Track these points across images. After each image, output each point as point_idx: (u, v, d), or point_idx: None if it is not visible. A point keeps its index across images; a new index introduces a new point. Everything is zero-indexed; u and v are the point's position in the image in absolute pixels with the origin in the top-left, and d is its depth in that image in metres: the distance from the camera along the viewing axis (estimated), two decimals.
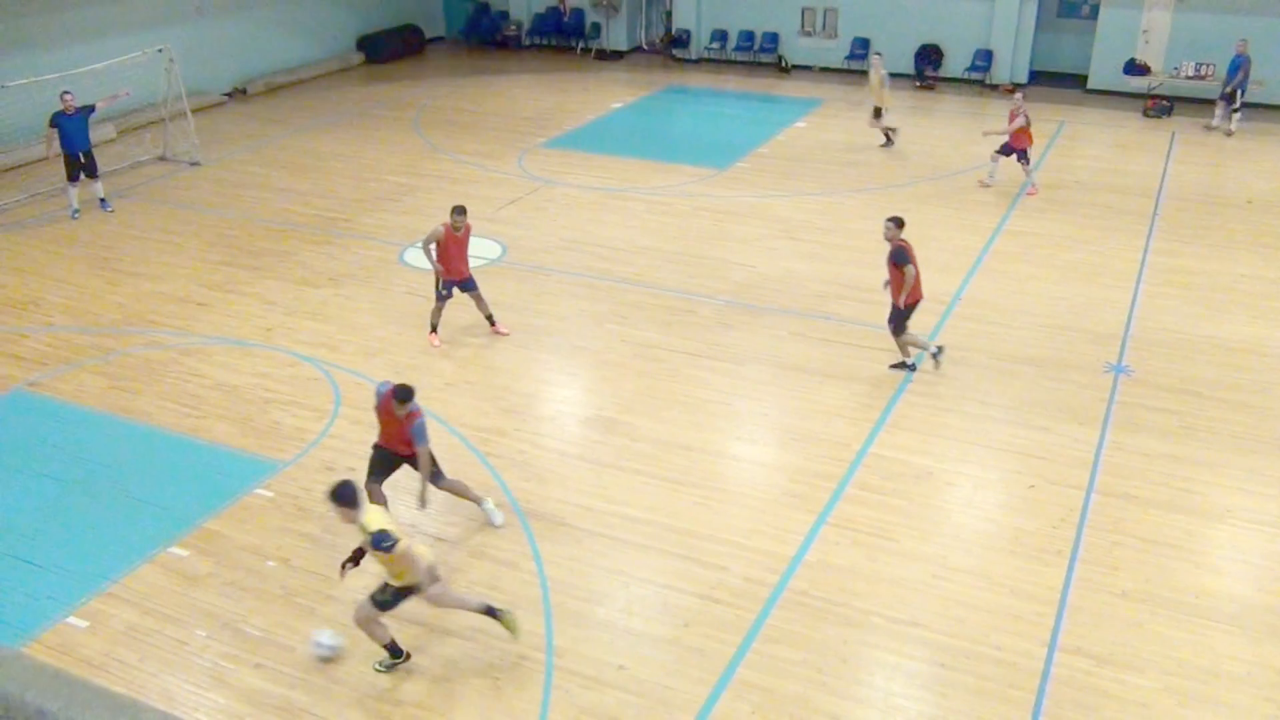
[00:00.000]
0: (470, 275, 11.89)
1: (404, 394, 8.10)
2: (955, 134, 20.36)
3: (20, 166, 17.78)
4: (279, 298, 13.21)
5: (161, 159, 18.91)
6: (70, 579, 8.26)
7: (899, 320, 10.99)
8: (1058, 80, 23.60)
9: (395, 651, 7.31)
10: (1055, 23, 23.85)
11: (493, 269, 13.98)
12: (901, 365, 11.31)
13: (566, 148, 19.40)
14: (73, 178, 15.65)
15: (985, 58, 23.59)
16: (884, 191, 16.90)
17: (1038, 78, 23.71)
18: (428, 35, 28.40)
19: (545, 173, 17.97)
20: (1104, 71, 22.71)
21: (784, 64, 25.45)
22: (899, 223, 10.93)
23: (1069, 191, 16.88)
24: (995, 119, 21.23)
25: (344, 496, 6.73)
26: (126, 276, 13.93)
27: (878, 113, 19.04)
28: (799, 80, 24.56)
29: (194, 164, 18.58)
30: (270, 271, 13.99)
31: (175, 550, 8.57)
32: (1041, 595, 7.95)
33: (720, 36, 26.09)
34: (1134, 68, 22.19)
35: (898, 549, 8.48)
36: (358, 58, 26.41)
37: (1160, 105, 21.32)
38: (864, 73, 24.52)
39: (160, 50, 18.29)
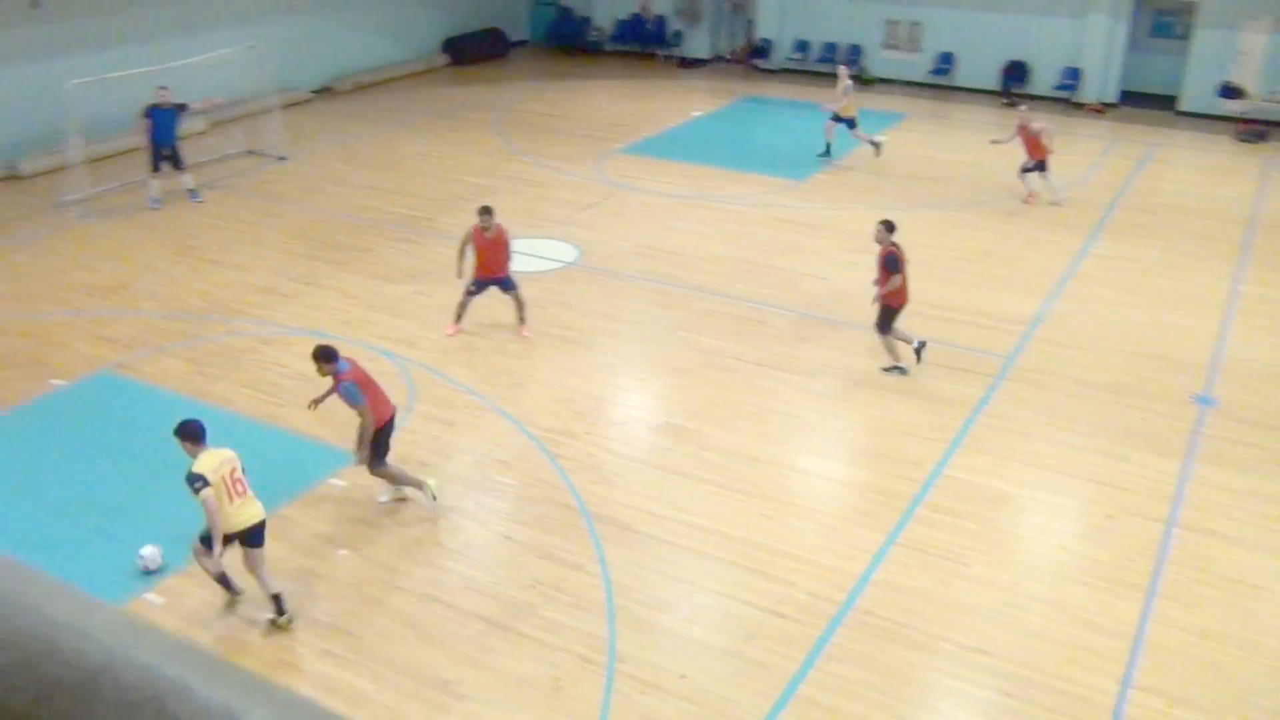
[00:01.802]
0: (507, 275, 11.97)
1: (321, 354, 8.39)
2: None
3: (115, 156, 18.31)
4: (359, 292, 13.41)
5: (250, 153, 19.36)
6: None
7: (886, 321, 11.11)
8: (1147, 101, 23.01)
9: (225, 583, 7.74)
10: (1147, 42, 23.27)
11: (567, 272, 14.05)
12: (895, 369, 11.32)
13: (644, 154, 19.43)
14: (155, 168, 16.06)
15: (1073, 76, 23.12)
16: (964, 208, 16.64)
17: (1127, 98, 23.15)
18: (511, 39, 28.69)
19: (622, 178, 18.02)
20: (1196, 93, 22.11)
21: (865, 77, 25.22)
22: (890, 227, 11.08)
23: (1157, 216, 16.44)
24: (1084, 139, 20.84)
25: (185, 432, 7.50)
26: (212, 265, 14.27)
27: (852, 123, 18.63)
28: (880, 93, 24.31)
29: (281, 159, 18.98)
30: (351, 266, 14.22)
31: None
32: (1116, 629, 7.73)
33: (802, 47, 25.95)
34: (1228, 90, 21.55)
35: (968, 573, 8.31)
36: (442, 59, 26.78)
37: (1254, 130, 20.68)
38: (948, 88, 24.25)
39: (253, 47, 18.73)
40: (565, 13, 28.79)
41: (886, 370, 11.34)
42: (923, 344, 11.45)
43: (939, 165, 18.92)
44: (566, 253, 14.68)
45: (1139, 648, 7.55)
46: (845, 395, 11.02)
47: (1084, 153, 19.88)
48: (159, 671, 0.77)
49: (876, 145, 18.93)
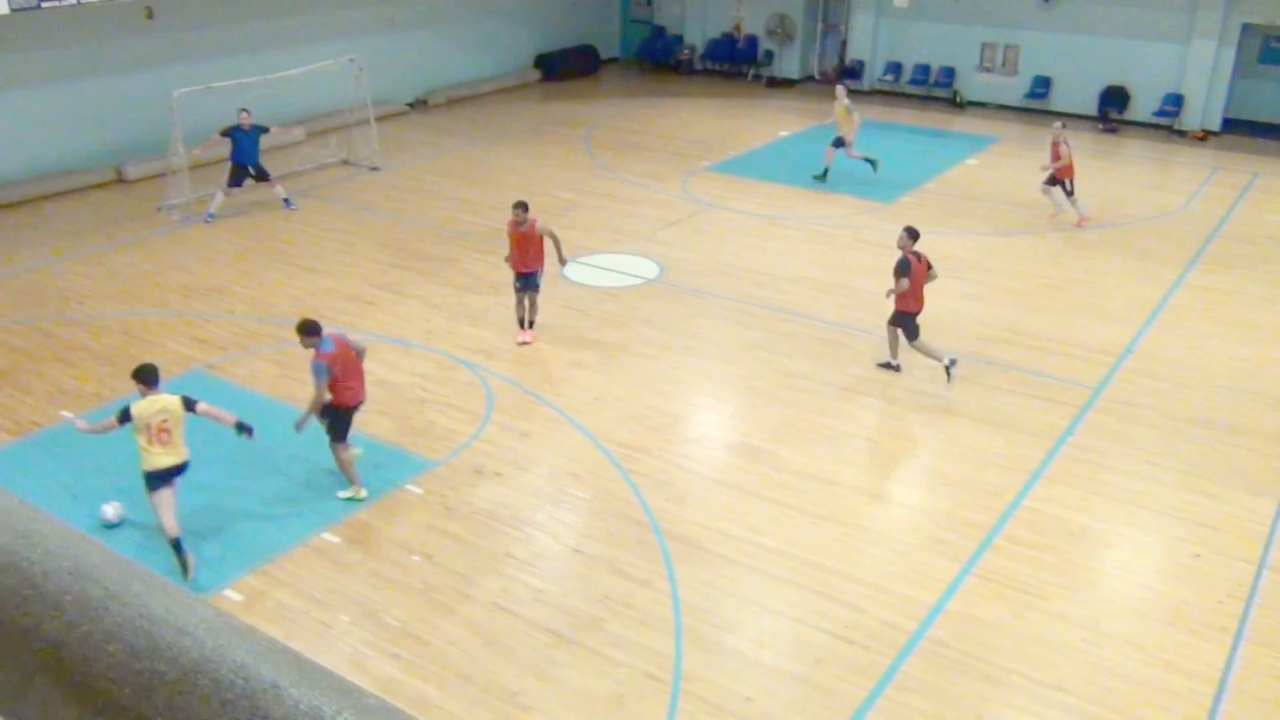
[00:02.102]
0: (531, 272, 12.16)
1: (302, 328, 9.15)
2: (1139, 179, 19.52)
3: (217, 163, 18.93)
4: (442, 302, 13.66)
5: (345, 162, 19.86)
6: (230, 554, 8.72)
7: (910, 328, 11.40)
8: (1254, 130, 22.32)
9: (176, 546, 8.37)
10: (1255, 69, 22.58)
11: (648, 288, 14.12)
12: (887, 365, 11.77)
13: (731, 173, 19.45)
14: (232, 183, 16.50)
15: (1175, 102, 22.52)
16: (1056, 235, 16.32)
17: (1231, 125, 22.48)
18: (603, 56, 28.98)
19: (708, 196, 18.06)
20: None
21: (959, 99, 24.91)
22: (913, 234, 11.30)
23: (1260, 247, 15.93)
24: (1184, 167, 20.30)
25: (141, 375, 8.41)
26: (303, 271, 14.66)
27: (838, 142, 18.37)
28: (973, 117, 23.99)
29: (374, 169, 19.44)
30: (436, 276, 14.48)
31: (328, 536, 8.93)
32: (1200, 672, 7.49)
33: (894, 68, 25.73)
34: None
35: (1046, 607, 8.13)
36: (535, 75, 27.16)
37: None
38: (1044, 112, 23.82)
39: (351, 60, 19.23)
40: (658, 31, 29.00)
41: (881, 366, 11.80)
42: (897, 367, 11.72)
43: (1030, 191, 18.56)
44: (648, 269, 14.76)
45: (1224, 693, 7.30)
46: (925, 421, 10.88)
47: (1184, 181, 19.37)
48: (253, 671, 0.82)
49: (873, 163, 18.68)
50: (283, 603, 8.14)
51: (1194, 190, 18.72)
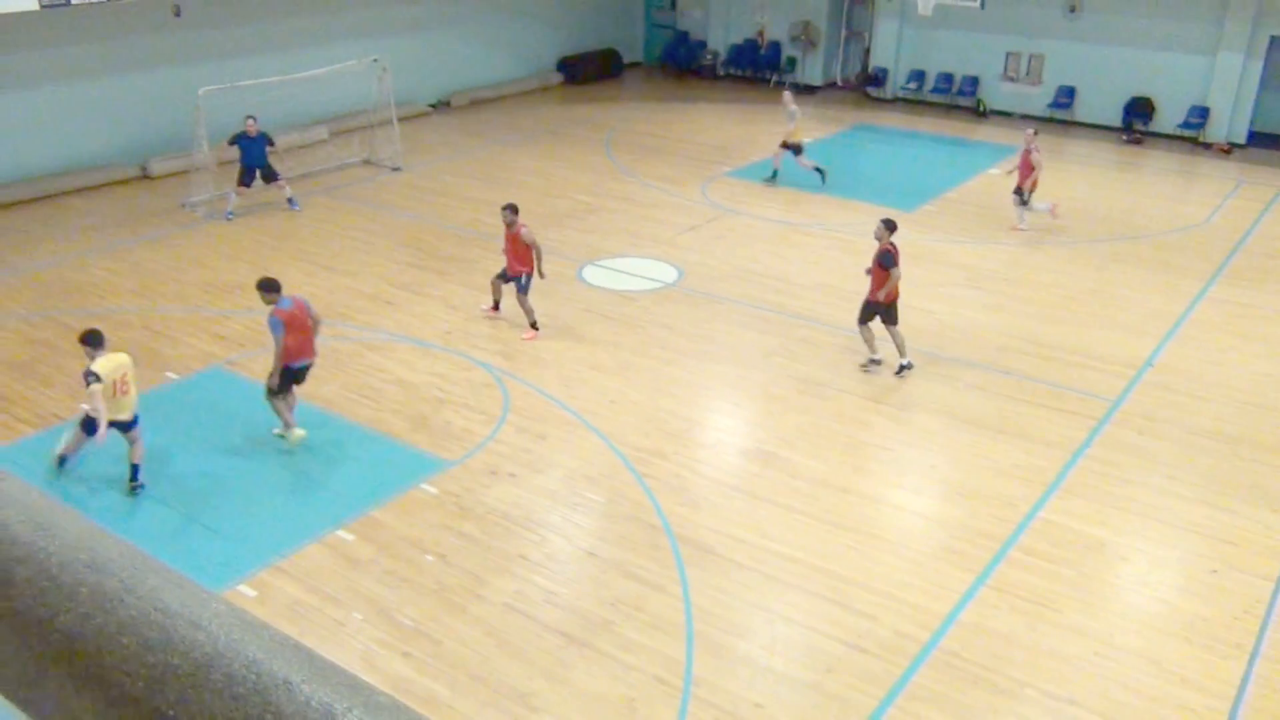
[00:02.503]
0: (516, 274, 12.47)
1: (262, 284, 9.96)
2: (1162, 191, 19.40)
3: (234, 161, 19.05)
4: (461, 303, 13.70)
5: (367, 162, 19.95)
6: (245, 549, 8.76)
7: (868, 313, 11.81)
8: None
9: (134, 475, 9.44)
10: None
11: (666, 292, 14.13)
12: (881, 360, 11.96)
13: (751, 178, 19.44)
14: (242, 183, 16.58)
15: (1200, 114, 22.38)
16: (1078, 245, 16.24)
17: (1257, 139, 22.32)
18: (626, 60, 29.02)
19: (727, 201, 18.06)
20: None
21: (982, 108, 24.83)
22: (891, 226, 11.77)
23: None
24: (1209, 180, 20.16)
25: (88, 339, 9.08)
26: (323, 270, 14.74)
27: (798, 149, 18.35)
28: (997, 126, 23.90)
29: (395, 169, 19.52)
30: (455, 277, 14.53)
31: (341, 534, 8.97)
32: (1215, 689, 7.43)
33: (917, 77, 25.67)
34: None
35: (1060, 620, 8.08)
36: (557, 78, 27.21)
37: None
38: (1068, 122, 23.72)
39: (375, 60, 19.33)
40: (681, 36, 29.01)
41: (863, 367, 11.99)
42: (878, 363, 11.99)
43: (1052, 201, 18.48)
44: (667, 273, 14.77)
45: (1238, 710, 7.24)
46: (942, 430, 10.84)
47: (1208, 194, 19.24)
48: (265, 666, 0.83)
49: (822, 173, 18.69)
50: (296, 599, 8.17)
51: (1218, 203, 18.59)
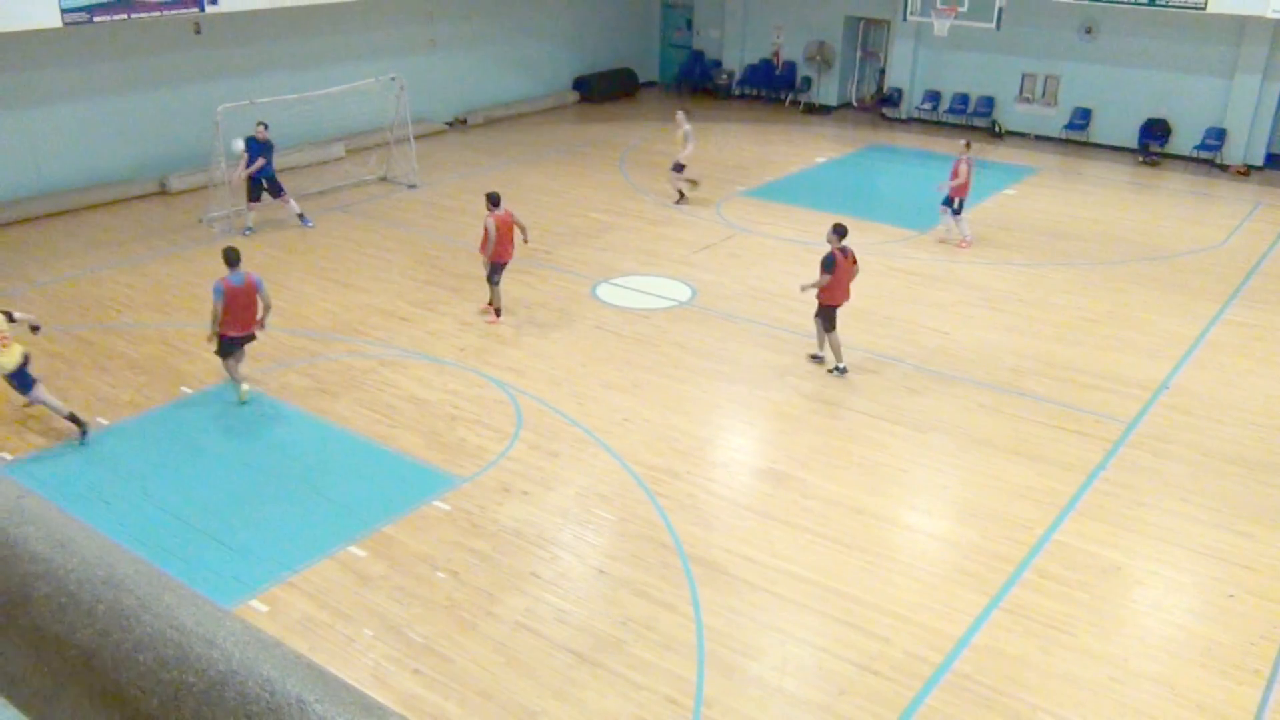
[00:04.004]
0: (505, 261, 13.51)
1: (224, 255, 10.96)
2: (1179, 213, 19.35)
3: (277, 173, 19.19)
4: (475, 319, 13.74)
5: (383, 179, 20.07)
6: (257, 564, 8.79)
7: (829, 319, 12.21)
8: None
9: (76, 421, 10.39)
10: None
11: (680, 311, 14.14)
12: (827, 363, 12.40)
13: (765, 198, 19.47)
14: (251, 198, 16.67)
15: (1217, 136, 22.32)
16: (1094, 267, 16.20)
17: (1274, 161, 22.24)
18: (641, 79, 29.15)
19: (742, 221, 18.09)
20: None
21: (998, 129, 24.83)
22: (840, 232, 12.13)
23: None
24: (1226, 203, 20.10)
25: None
26: (339, 286, 14.81)
27: (678, 166, 18.46)
28: (1012, 147, 23.90)
29: (411, 186, 19.63)
30: (469, 294, 14.57)
31: (354, 550, 8.98)
32: (1232, 715, 7.36)
33: (933, 97, 25.69)
34: None
35: (1074, 644, 8.02)
36: (573, 96, 27.36)
37: None
38: (1083, 144, 23.70)
39: (393, 78, 19.47)
40: (696, 55, 29.14)
41: (829, 370, 12.34)
42: (842, 370, 12.32)
43: (1068, 222, 18.48)
44: (681, 292, 14.79)
45: None
46: (956, 451, 10.80)
47: (1224, 216, 19.17)
48: (279, 685, 0.84)
49: (682, 195, 18.86)
50: (308, 614, 8.18)
51: (1235, 225, 18.52)
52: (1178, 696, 7.52)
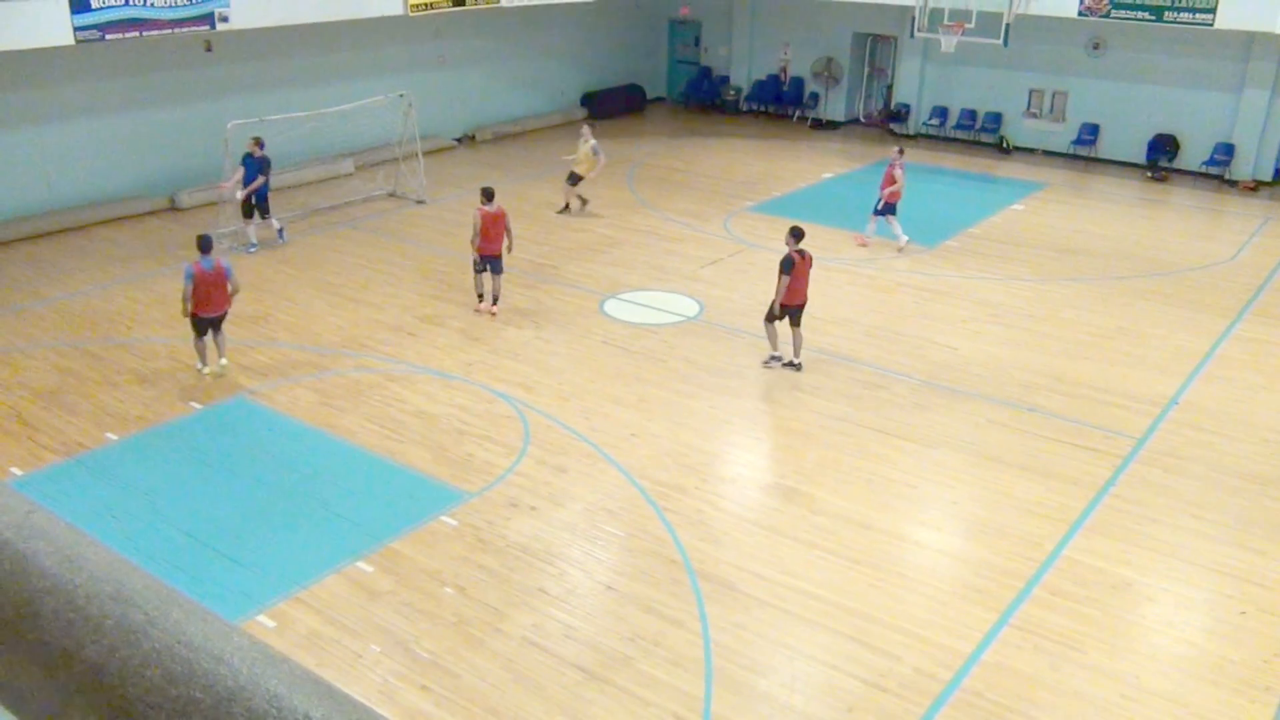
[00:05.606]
0: (496, 255, 14.16)
1: (196, 241, 11.82)
2: (1187, 229, 19.32)
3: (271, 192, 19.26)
4: (483, 335, 13.76)
5: (392, 195, 20.14)
6: (265, 579, 8.78)
7: (771, 315, 12.63)
8: None
9: None
10: None
11: (687, 326, 14.15)
12: (784, 360, 12.81)
13: (773, 213, 19.49)
14: (248, 214, 16.68)
15: (1226, 151, 22.30)
16: (1103, 282, 16.17)
17: None
18: (649, 95, 29.26)
19: (750, 236, 18.10)
20: None
21: (1005, 145, 24.84)
22: (797, 235, 12.52)
23: None
24: (1235, 218, 20.07)
25: None
26: (347, 302, 14.85)
27: (574, 178, 18.65)
28: (1020, 162, 23.91)
29: (420, 202, 19.69)
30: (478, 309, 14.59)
31: (361, 565, 8.97)
32: None
33: (940, 113, 25.73)
34: None
35: (1085, 661, 7.97)
36: (581, 113, 27.43)
37: None
38: (1091, 159, 23.70)
39: (402, 95, 19.56)
40: (704, 71, 29.24)
41: (765, 364, 12.85)
42: (787, 363, 12.79)
43: (1076, 237, 18.46)
44: (689, 307, 14.80)
45: None
46: (965, 467, 10.77)
47: (1233, 231, 19.15)
48: (287, 701, 0.83)
49: (568, 208, 19.10)
50: (315, 630, 8.17)
51: (1244, 241, 18.49)
52: (1189, 714, 7.46)
